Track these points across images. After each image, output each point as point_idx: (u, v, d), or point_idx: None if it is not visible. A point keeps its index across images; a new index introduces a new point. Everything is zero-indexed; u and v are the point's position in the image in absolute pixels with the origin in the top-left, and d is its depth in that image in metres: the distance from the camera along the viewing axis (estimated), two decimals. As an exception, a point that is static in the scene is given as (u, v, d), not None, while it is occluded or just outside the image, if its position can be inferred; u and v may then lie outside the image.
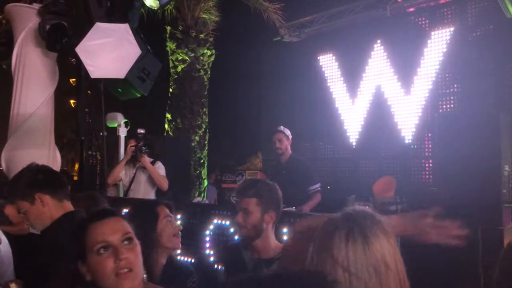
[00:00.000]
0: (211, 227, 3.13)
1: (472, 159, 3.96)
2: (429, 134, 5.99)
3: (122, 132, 6.91)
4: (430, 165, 6.02)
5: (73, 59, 6.57)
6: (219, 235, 3.06)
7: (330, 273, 1.21)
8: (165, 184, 5.09)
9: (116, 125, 6.91)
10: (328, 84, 7.03)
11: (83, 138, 6.88)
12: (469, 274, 2.99)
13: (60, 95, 7.31)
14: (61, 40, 5.80)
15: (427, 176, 6.04)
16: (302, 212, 3.64)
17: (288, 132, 4.90)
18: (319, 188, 4.69)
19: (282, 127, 4.94)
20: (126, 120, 6.94)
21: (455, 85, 5.78)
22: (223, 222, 3.08)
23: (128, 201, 4.25)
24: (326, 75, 7.06)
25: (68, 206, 2.34)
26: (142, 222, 2.15)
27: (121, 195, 5.96)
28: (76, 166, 9.32)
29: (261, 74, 7.65)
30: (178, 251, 3.06)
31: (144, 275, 1.55)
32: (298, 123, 6.68)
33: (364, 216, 1.35)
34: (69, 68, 7.32)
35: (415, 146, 6.13)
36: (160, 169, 5.17)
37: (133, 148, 5.02)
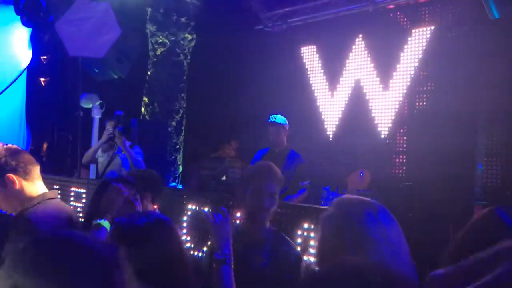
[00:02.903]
0: (189, 213, 3.10)
1: (446, 156, 4.05)
2: (402, 130, 6.10)
3: (97, 113, 6.76)
4: (403, 160, 6.13)
5: (46, 36, 6.40)
6: (197, 221, 3.04)
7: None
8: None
9: (90, 106, 6.76)
10: (308, 76, 7.03)
11: (51, 117, 6.73)
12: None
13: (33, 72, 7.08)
14: (36, 15, 5.61)
15: (400, 171, 6.15)
16: (289, 203, 3.64)
17: (285, 123, 4.83)
18: (308, 185, 4.71)
19: (278, 116, 4.85)
20: (101, 101, 6.79)
21: (433, 83, 5.87)
22: (201, 208, 3.05)
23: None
24: (306, 66, 7.07)
25: (41, 186, 2.26)
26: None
27: (93, 177, 5.84)
28: (45, 146, 9.06)
29: (242, 61, 7.59)
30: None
31: None
32: (276, 113, 6.67)
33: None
34: (41, 44, 7.10)
35: (389, 141, 6.23)
36: (137, 154, 5.08)
37: (111, 129, 4.91)
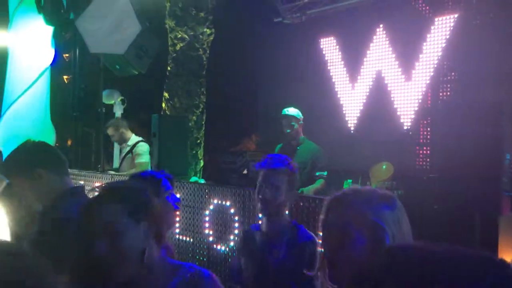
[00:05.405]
0: (211, 207, 3.12)
1: (473, 147, 3.94)
2: (425, 122, 5.99)
3: (119, 109, 6.85)
4: (427, 152, 6.02)
5: (68, 33, 6.48)
6: (218, 215, 3.05)
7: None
8: None
9: (112, 102, 6.84)
10: (329, 68, 6.97)
11: (75, 114, 6.87)
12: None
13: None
14: (58, 13, 5.67)
15: (424, 163, 6.05)
16: (304, 195, 3.63)
17: (299, 113, 4.83)
18: (325, 176, 4.69)
19: (291, 109, 4.85)
20: (123, 97, 6.86)
21: (457, 73, 5.74)
22: (224, 202, 3.06)
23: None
24: (326, 58, 7.00)
25: (69, 181, 2.30)
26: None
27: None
28: (69, 142, 9.22)
29: (261, 54, 7.56)
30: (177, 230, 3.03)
31: None
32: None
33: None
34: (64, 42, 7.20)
35: (412, 133, 6.13)
36: (138, 153, 5.19)
37: None
